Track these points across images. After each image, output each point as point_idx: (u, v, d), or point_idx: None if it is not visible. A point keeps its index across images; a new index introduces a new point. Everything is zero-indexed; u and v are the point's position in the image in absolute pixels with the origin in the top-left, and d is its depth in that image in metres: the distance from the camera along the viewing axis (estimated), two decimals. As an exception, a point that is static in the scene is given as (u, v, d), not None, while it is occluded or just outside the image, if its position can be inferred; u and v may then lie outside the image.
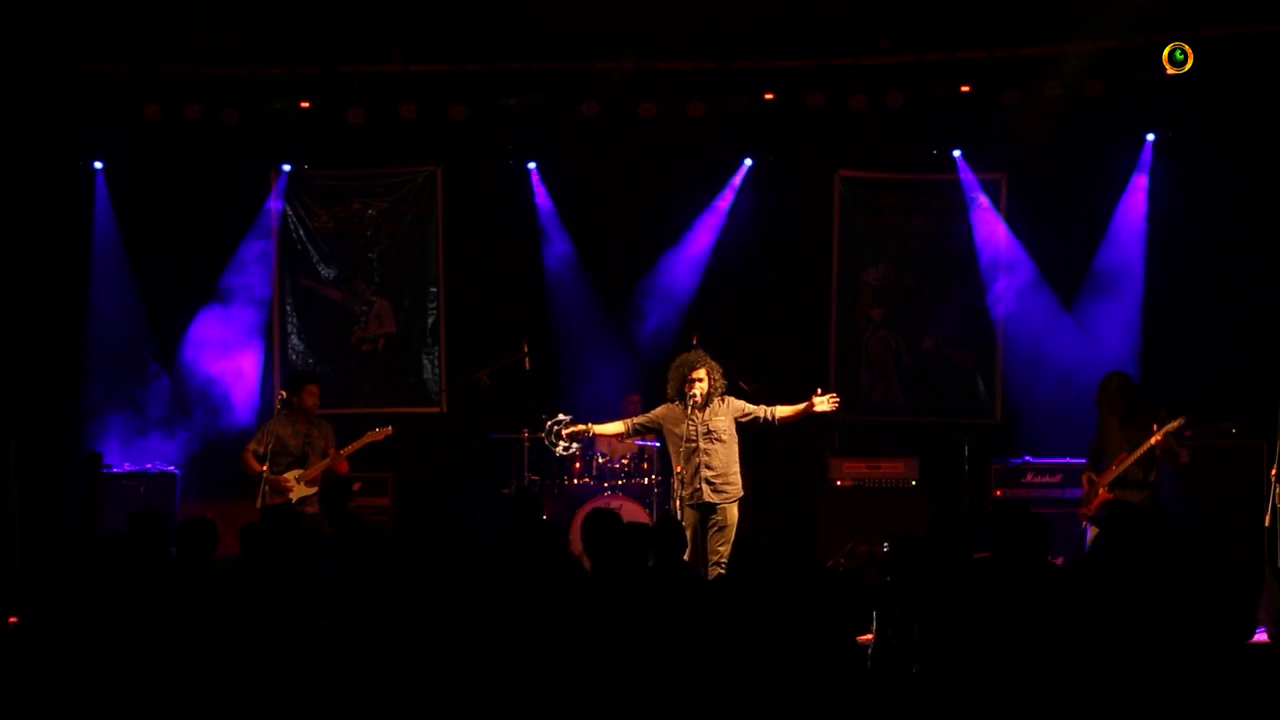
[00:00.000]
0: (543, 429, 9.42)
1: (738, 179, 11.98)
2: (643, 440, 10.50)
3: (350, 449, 9.95)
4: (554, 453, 9.55)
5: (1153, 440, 9.31)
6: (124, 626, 5.61)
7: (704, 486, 8.71)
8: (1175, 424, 9.36)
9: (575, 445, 9.43)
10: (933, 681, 5.56)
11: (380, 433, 10.08)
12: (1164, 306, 11.37)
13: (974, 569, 5.91)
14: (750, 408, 8.94)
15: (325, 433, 9.97)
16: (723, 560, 8.52)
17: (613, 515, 6.25)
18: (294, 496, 9.61)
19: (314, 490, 9.80)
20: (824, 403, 8.83)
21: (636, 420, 9.19)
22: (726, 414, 8.90)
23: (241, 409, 11.74)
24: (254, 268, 11.92)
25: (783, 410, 8.91)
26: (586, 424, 9.31)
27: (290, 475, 9.73)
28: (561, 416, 9.38)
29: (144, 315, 11.84)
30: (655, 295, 11.96)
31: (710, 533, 8.72)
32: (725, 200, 12.01)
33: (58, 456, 11.26)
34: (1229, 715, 5.71)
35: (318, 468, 9.81)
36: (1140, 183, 11.48)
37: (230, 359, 11.77)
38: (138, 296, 11.85)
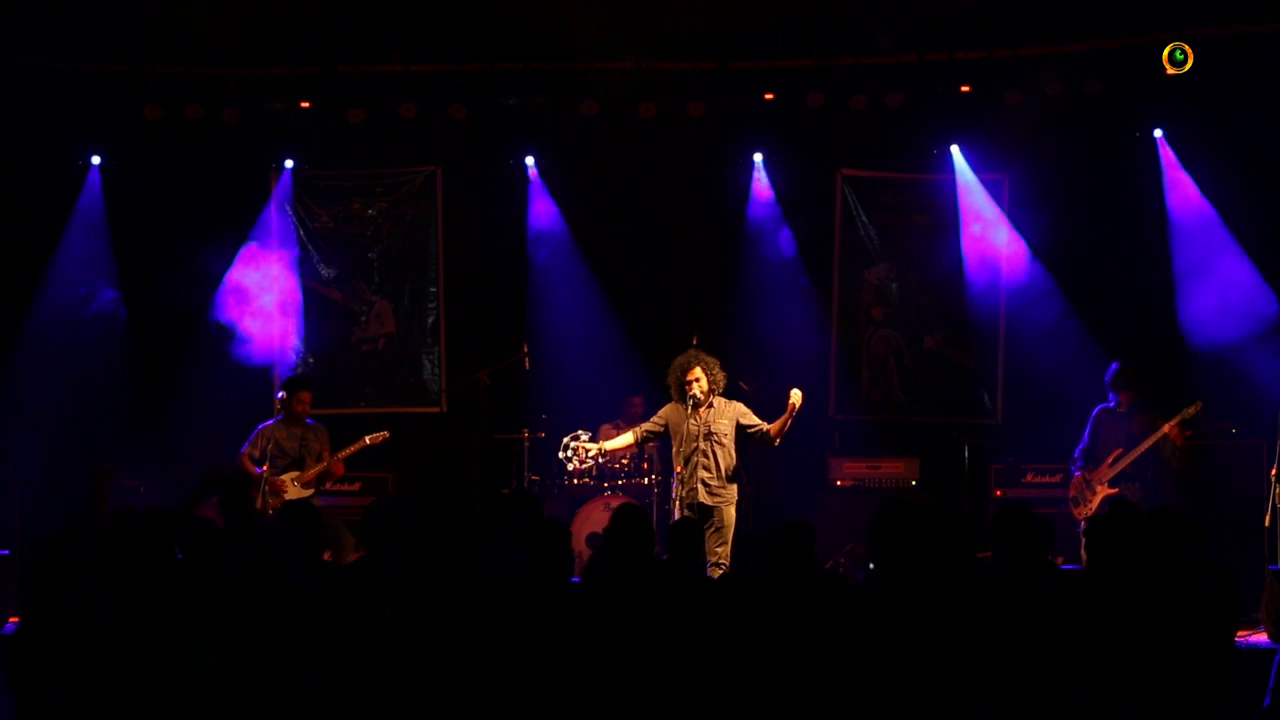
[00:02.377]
0: (559, 446, 9.66)
1: (753, 174, 11.97)
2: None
3: (345, 453, 9.96)
4: (568, 468, 9.87)
5: (1165, 428, 9.31)
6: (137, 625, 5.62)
7: (699, 487, 8.71)
8: (1192, 410, 9.34)
9: (589, 462, 9.59)
10: (926, 679, 5.56)
11: (376, 437, 10.08)
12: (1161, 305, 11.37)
13: (975, 569, 5.91)
14: (755, 419, 8.92)
15: (320, 436, 9.98)
16: (721, 560, 8.55)
17: (642, 511, 6.32)
18: (289, 498, 9.60)
19: (310, 493, 9.81)
20: (795, 397, 8.73)
21: (643, 428, 9.23)
22: (730, 416, 8.89)
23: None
24: (253, 268, 11.91)
25: (774, 426, 8.90)
26: (598, 443, 9.43)
27: (286, 477, 9.74)
28: (580, 433, 9.66)
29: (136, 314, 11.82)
30: (656, 294, 11.95)
31: (708, 534, 8.71)
32: (733, 197, 12.01)
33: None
34: (1227, 714, 5.73)
35: (314, 470, 9.82)
36: (1177, 178, 11.35)
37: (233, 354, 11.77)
38: (128, 295, 11.79)
